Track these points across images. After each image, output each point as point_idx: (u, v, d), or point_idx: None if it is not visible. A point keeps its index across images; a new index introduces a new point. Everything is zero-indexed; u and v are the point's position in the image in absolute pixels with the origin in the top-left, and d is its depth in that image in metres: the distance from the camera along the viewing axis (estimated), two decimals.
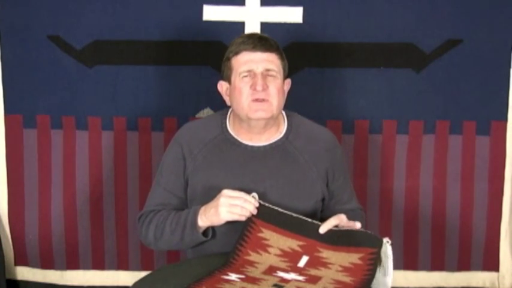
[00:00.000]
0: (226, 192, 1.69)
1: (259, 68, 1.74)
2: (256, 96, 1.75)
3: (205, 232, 1.76)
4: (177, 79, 2.29)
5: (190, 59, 2.27)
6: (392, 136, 2.32)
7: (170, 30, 2.26)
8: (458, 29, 2.24)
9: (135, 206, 2.31)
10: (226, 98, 1.84)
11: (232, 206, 1.68)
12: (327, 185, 1.88)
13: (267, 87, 1.75)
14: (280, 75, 1.78)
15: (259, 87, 1.73)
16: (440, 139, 2.31)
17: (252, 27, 2.25)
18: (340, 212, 1.76)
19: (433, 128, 2.31)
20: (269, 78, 1.76)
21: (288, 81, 1.83)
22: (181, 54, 2.27)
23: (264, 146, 1.83)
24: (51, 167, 2.36)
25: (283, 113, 1.89)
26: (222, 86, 1.83)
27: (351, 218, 1.75)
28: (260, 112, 1.77)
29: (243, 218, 1.68)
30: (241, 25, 2.25)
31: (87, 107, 2.32)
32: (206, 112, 2.29)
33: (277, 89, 1.76)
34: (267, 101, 1.76)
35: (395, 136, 2.31)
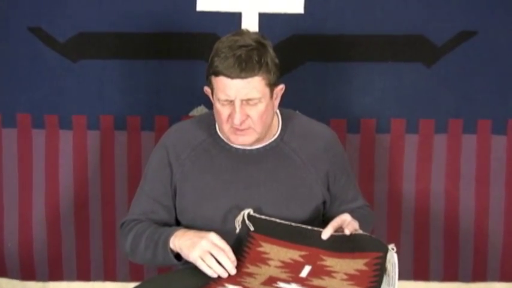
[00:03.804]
0: (213, 237, 1.61)
1: (237, 98, 1.65)
2: (235, 127, 1.69)
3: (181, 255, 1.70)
4: (169, 74, 2.26)
5: (183, 53, 2.24)
6: (401, 136, 2.29)
7: (161, 22, 2.23)
8: (472, 19, 2.21)
9: (124, 212, 2.22)
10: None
11: (208, 255, 1.59)
12: (328, 188, 1.82)
13: (247, 117, 1.67)
14: (264, 98, 1.68)
15: (236, 121, 1.66)
16: (453, 139, 2.28)
17: (250, 19, 2.22)
18: (345, 211, 1.73)
19: (445, 127, 2.28)
20: (249, 106, 1.67)
21: (282, 87, 1.75)
22: (173, 47, 2.25)
23: (257, 149, 1.77)
24: (33, 169, 2.33)
25: (277, 111, 1.83)
26: (207, 92, 1.76)
27: (357, 216, 1.72)
28: (241, 139, 1.72)
29: (209, 273, 1.59)
30: (237, 16, 2.22)
31: (71, 104, 2.29)
32: (200, 110, 2.25)
33: (259, 114, 1.68)
34: (248, 129, 1.70)
35: (404, 136, 2.29)
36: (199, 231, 1.65)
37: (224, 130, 1.71)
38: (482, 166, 2.29)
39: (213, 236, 1.61)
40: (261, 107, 1.67)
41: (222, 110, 1.68)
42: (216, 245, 1.60)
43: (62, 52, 2.24)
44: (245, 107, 1.66)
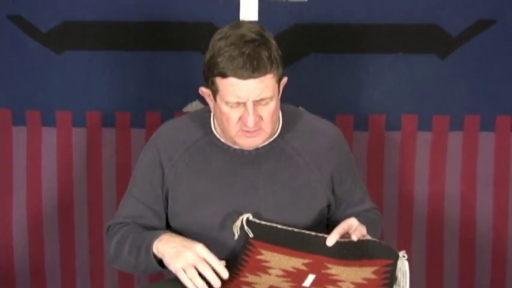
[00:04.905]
0: (199, 249, 1.58)
1: (250, 99, 1.61)
2: (246, 129, 1.66)
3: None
4: (161, 67, 2.23)
5: (177, 44, 2.21)
6: (412, 133, 2.25)
7: (153, 10, 2.20)
8: (490, 7, 2.17)
9: (112, 216, 2.16)
10: (210, 103, 1.73)
11: (191, 268, 1.56)
12: (333, 190, 1.80)
13: (259, 118, 1.65)
14: (275, 96, 1.66)
15: (250, 124, 1.63)
16: (469, 137, 2.24)
17: (249, 7, 2.18)
18: (352, 215, 1.71)
19: (460, 124, 2.24)
20: (261, 106, 1.64)
21: (285, 80, 1.73)
22: (166, 37, 2.21)
23: (257, 149, 1.73)
24: (13, 170, 2.29)
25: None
26: (204, 93, 1.72)
27: (364, 220, 1.71)
28: (251, 141, 1.69)
29: (189, 286, 1.56)
30: (235, 3, 2.18)
31: (55, 99, 2.25)
32: (195, 106, 2.21)
33: (270, 113, 1.66)
34: (259, 130, 1.68)
35: (416, 133, 2.25)
36: (186, 240, 1.62)
37: (231, 133, 1.67)
38: (501, 166, 2.24)
39: (199, 248, 1.56)
40: (272, 105, 1.64)
41: (230, 113, 1.63)
42: (201, 258, 1.56)
43: (44, 43, 2.20)
44: (257, 107, 1.62)
